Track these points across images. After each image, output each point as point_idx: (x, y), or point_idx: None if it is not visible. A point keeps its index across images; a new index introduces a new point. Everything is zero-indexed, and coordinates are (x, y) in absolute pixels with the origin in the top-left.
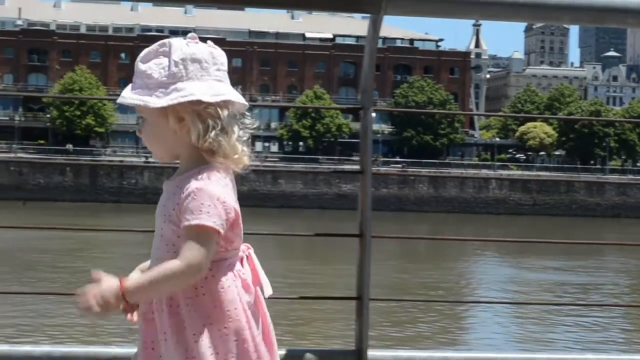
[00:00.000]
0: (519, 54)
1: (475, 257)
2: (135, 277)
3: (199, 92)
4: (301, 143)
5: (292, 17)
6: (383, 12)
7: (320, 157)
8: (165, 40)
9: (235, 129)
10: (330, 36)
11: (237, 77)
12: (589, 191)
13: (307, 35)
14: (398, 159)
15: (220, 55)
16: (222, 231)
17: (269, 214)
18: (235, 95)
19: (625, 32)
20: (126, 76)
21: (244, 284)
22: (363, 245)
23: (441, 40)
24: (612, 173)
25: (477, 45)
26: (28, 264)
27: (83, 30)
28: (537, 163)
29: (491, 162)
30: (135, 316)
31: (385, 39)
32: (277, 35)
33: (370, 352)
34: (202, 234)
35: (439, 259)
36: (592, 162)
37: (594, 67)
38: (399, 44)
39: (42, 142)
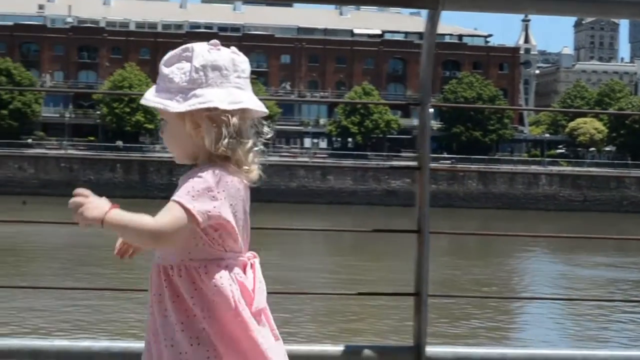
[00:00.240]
0: (569, 50)
1: (525, 254)
2: (122, 213)
3: (217, 100)
4: (350, 139)
5: (341, 14)
6: (441, 7)
7: (368, 153)
8: (189, 45)
9: (250, 137)
10: (379, 32)
11: (285, 74)
12: None
13: (356, 31)
14: (447, 155)
15: (242, 62)
16: (200, 221)
17: (318, 210)
18: (254, 103)
19: None
20: None
21: (242, 288)
22: (421, 242)
23: (490, 35)
24: None
25: (526, 40)
26: (81, 259)
27: (132, 27)
28: (587, 159)
29: (541, 158)
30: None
31: None
32: (326, 31)
33: (429, 349)
34: (178, 211)
35: (489, 255)
36: None
37: None
38: (447, 39)
39: (92, 138)
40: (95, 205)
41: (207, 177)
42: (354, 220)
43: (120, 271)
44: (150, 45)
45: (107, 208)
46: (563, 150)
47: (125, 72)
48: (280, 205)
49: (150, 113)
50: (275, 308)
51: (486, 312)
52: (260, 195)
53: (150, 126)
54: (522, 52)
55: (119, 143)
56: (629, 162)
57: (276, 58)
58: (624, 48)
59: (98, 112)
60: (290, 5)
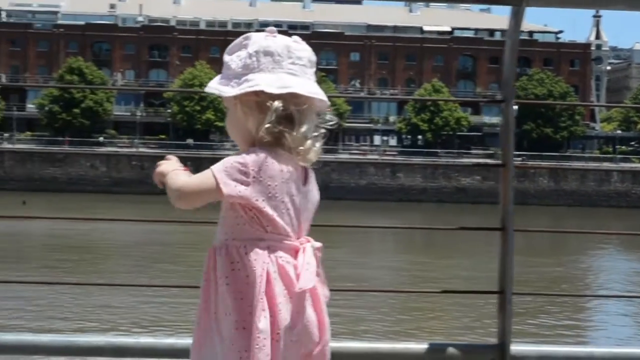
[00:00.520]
0: None
1: (598, 251)
2: (177, 172)
3: (264, 83)
4: (420, 136)
5: (410, 11)
6: (525, 4)
7: (438, 150)
8: (249, 34)
9: (305, 123)
10: (449, 29)
11: (354, 72)
12: None
13: (425, 28)
14: (517, 152)
15: (299, 50)
16: (224, 192)
17: (388, 208)
18: (306, 89)
19: None
20: None
21: (282, 272)
22: (505, 239)
23: (561, 32)
24: None
25: (598, 36)
26: (155, 257)
27: (202, 26)
28: None
29: (613, 155)
30: None
31: (504, 31)
32: (395, 28)
33: (513, 347)
34: (206, 177)
35: (562, 252)
36: None
37: None
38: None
39: (163, 136)
40: (167, 164)
41: (247, 157)
42: (424, 218)
43: (190, 268)
44: (220, 43)
45: (173, 168)
46: (635, 147)
47: (195, 70)
48: (350, 203)
49: (220, 111)
50: (352, 305)
51: (562, 309)
52: (329, 193)
53: (221, 124)
54: (593, 48)
55: (190, 141)
56: None
57: (346, 56)
58: None
59: (169, 111)
60: (360, 3)
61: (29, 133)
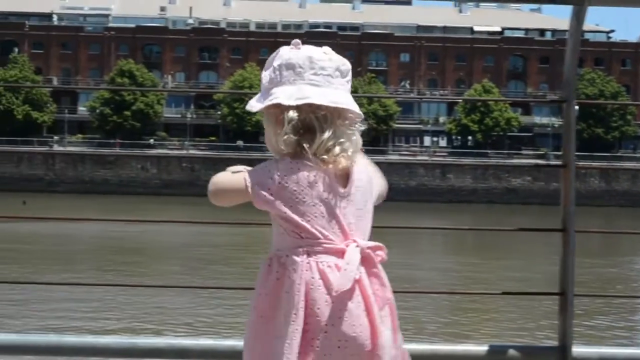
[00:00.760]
0: None
1: None
2: (225, 172)
3: (283, 96)
4: (470, 137)
5: (460, 11)
6: (587, 3)
7: (489, 151)
8: (279, 48)
9: (327, 130)
10: (499, 29)
11: (404, 72)
12: None
13: (475, 28)
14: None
15: (322, 60)
16: (251, 194)
17: (438, 209)
18: (325, 98)
19: None
20: None
21: (323, 276)
22: (566, 240)
23: (612, 31)
24: None
25: None
26: (206, 258)
27: (252, 27)
28: None
29: None
30: None
31: (554, 31)
32: (445, 29)
33: (575, 349)
34: (237, 176)
35: (615, 253)
36: None
37: None
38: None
39: (213, 138)
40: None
41: (274, 164)
42: (474, 219)
43: (244, 269)
44: (270, 45)
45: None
46: None
47: (245, 72)
48: (399, 204)
49: None
50: (407, 307)
51: (618, 311)
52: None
53: None
54: None
55: (240, 143)
56: None
57: (395, 57)
58: None
59: (219, 112)
60: (410, 3)
61: (80, 135)
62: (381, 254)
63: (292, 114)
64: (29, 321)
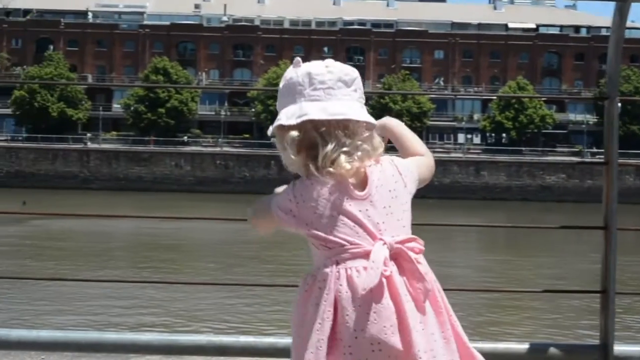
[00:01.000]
0: None
1: None
2: (260, 202)
3: (284, 117)
4: (504, 134)
5: (495, 8)
6: None
7: (523, 148)
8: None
9: (329, 143)
10: (534, 26)
11: (438, 69)
12: None
13: (510, 25)
14: (603, 150)
15: (321, 74)
16: (277, 221)
17: (472, 206)
18: (330, 111)
19: None
20: None
21: (350, 281)
22: (608, 238)
23: None
24: None
25: None
26: (237, 256)
27: (286, 25)
28: None
29: None
30: None
31: (589, 27)
32: (480, 26)
33: (617, 347)
34: (266, 208)
35: None
36: None
37: None
38: (604, 32)
39: (247, 136)
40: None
41: (290, 187)
42: (509, 216)
43: (281, 266)
44: (304, 42)
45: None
46: None
47: (279, 69)
48: (433, 201)
49: None
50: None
51: None
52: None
53: None
54: None
55: (274, 140)
56: None
57: (430, 54)
58: None
59: (253, 110)
60: (444, 0)
61: (114, 133)
62: (414, 246)
63: (293, 133)
64: (67, 318)
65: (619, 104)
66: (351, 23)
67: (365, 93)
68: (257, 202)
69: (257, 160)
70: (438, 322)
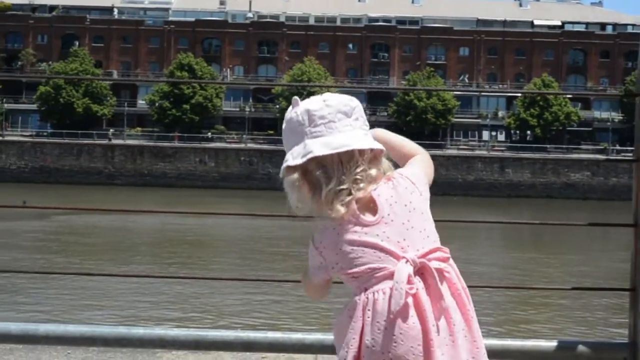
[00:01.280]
0: None
1: None
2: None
3: (291, 158)
4: (528, 132)
5: (520, 5)
6: None
7: (547, 146)
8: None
9: (333, 179)
10: (559, 23)
11: (463, 66)
12: None
13: (536, 22)
14: (629, 148)
15: (320, 109)
16: (316, 282)
17: (496, 203)
18: (334, 145)
19: None
20: (354, 67)
21: (376, 306)
22: (638, 236)
23: None
24: None
25: None
26: (262, 251)
27: (311, 21)
28: None
29: None
30: None
31: (615, 25)
32: (505, 23)
33: None
34: (307, 277)
35: None
36: None
37: None
38: (630, 30)
39: (271, 132)
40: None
41: (313, 239)
42: (532, 214)
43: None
44: (329, 39)
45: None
46: None
47: (304, 66)
48: (457, 198)
49: None
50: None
51: None
52: (437, 189)
53: None
54: None
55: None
56: None
57: (455, 51)
58: None
59: (277, 106)
60: None
61: (139, 129)
62: (439, 255)
63: (295, 176)
64: (93, 313)
65: None
66: (376, 20)
67: (389, 89)
68: (303, 272)
69: (281, 156)
70: (468, 340)
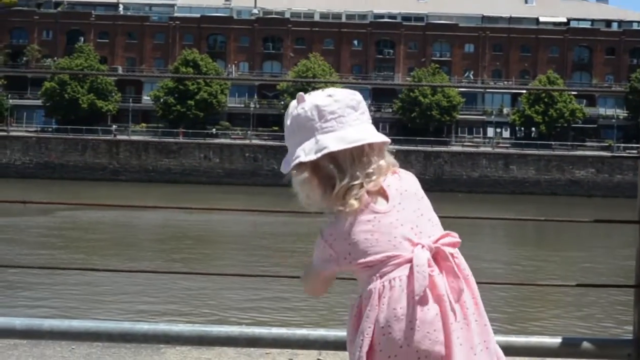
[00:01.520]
0: None
1: None
2: (309, 269)
3: (303, 153)
4: (533, 129)
5: (526, 2)
6: None
7: (552, 143)
8: (289, 106)
9: (348, 174)
10: (564, 20)
11: (468, 63)
12: None
13: (541, 19)
14: (634, 145)
15: (329, 105)
16: (325, 275)
17: (500, 200)
18: (349, 140)
19: None
20: (359, 63)
21: (393, 294)
22: None
23: None
24: None
25: None
26: (267, 247)
27: (317, 18)
28: None
29: None
30: None
31: (621, 22)
32: (510, 19)
33: None
34: (311, 271)
35: None
36: None
37: None
38: (635, 27)
39: (276, 128)
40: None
41: (324, 232)
42: (537, 210)
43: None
44: (334, 35)
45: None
46: None
47: (309, 62)
48: (462, 195)
49: None
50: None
51: None
52: (442, 185)
53: None
54: None
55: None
56: None
57: (460, 47)
58: None
59: (282, 102)
60: None
61: (144, 124)
62: (450, 240)
63: (307, 172)
64: (97, 306)
65: None
66: (381, 16)
67: (394, 85)
68: (304, 269)
69: (286, 152)
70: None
